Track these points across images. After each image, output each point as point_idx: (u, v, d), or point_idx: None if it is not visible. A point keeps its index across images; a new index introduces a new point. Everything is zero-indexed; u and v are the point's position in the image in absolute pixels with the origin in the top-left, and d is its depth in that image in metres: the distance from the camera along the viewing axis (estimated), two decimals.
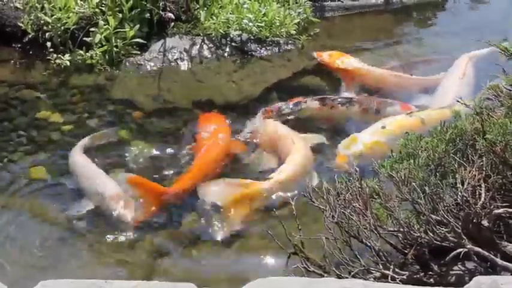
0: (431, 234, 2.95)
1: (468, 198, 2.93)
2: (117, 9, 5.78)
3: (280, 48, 5.97)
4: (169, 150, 4.80)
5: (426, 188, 2.97)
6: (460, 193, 2.94)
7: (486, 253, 2.89)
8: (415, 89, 5.50)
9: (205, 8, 6.09)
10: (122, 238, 4.04)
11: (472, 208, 2.92)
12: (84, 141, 4.73)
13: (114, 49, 5.70)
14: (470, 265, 3.04)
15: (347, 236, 3.16)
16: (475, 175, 2.96)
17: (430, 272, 3.06)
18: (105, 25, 5.69)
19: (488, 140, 3.06)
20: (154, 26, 5.97)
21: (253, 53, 5.92)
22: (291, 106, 5.16)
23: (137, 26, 5.77)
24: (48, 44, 5.74)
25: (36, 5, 5.81)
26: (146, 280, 3.47)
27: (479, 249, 2.89)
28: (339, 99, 5.19)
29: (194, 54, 5.85)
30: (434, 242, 2.96)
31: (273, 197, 4.27)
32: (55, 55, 5.69)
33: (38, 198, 4.38)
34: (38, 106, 5.29)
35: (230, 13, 5.98)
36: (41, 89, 5.50)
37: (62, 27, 5.74)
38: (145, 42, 5.85)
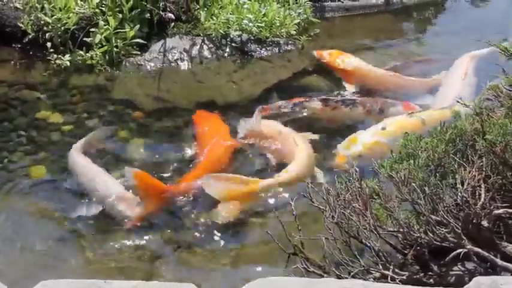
0: (431, 234, 2.95)
1: (468, 199, 2.93)
2: (117, 9, 5.79)
3: (280, 49, 5.98)
4: (169, 150, 4.80)
5: (426, 189, 2.97)
6: (459, 193, 2.94)
7: (486, 253, 2.89)
8: (415, 89, 5.50)
9: (206, 9, 6.09)
10: (122, 238, 4.04)
11: (471, 208, 2.92)
12: (82, 141, 4.72)
13: (114, 49, 5.70)
14: (470, 265, 3.04)
15: (347, 237, 3.16)
16: (475, 175, 2.96)
17: (430, 273, 3.06)
18: (105, 25, 5.69)
19: (488, 141, 3.06)
20: (154, 26, 5.97)
21: (253, 53, 5.92)
22: (291, 106, 5.16)
23: (137, 27, 5.77)
24: (48, 44, 5.74)
25: (36, 5, 5.81)
26: (146, 280, 3.48)
27: (479, 250, 2.89)
28: (342, 101, 5.18)
29: (194, 54, 5.85)
30: (434, 242, 2.96)
31: (275, 196, 4.28)
32: (55, 55, 5.69)
33: (38, 198, 4.38)
34: (38, 106, 5.29)
35: (230, 13, 5.98)
36: (41, 89, 5.50)
37: (62, 28, 5.74)
38: (145, 42, 5.85)
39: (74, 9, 5.79)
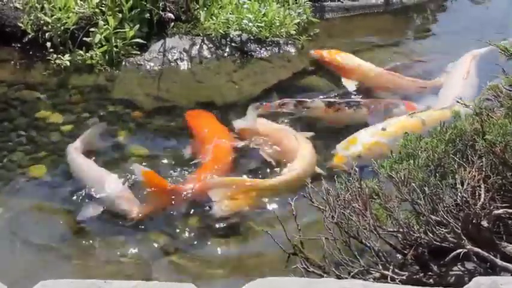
0: (430, 234, 2.95)
1: (468, 199, 2.93)
2: (117, 9, 5.78)
3: (280, 49, 5.97)
4: (168, 150, 4.80)
5: (426, 189, 2.97)
6: (459, 194, 2.95)
7: (486, 254, 2.90)
8: (413, 89, 5.49)
9: (205, 8, 6.09)
10: (122, 238, 4.05)
11: (471, 209, 2.92)
12: (79, 139, 4.72)
13: (114, 49, 5.70)
14: (469, 266, 3.04)
15: (346, 237, 3.16)
16: (475, 176, 2.96)
17: (430, 273, 3.07)
18: (105, 25, 5.69)
19: (488, 141, 3.06)
20: (154, 26, 5.97)
21: (253, 53, 5.92)
22: (293, 104, 5.15)
23: (137, 26, 5.76)
24: (48, 44, 5.73)
25: (36, 5, 5.81)
26: (146, 280, 3.48)
27: (479, 250, 2.89)
28: (346, 102, 5.16)
29: (194, 54, 5.84)
30: (434, 242, 2.96)
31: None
32: (55, 55, 5.68)
33: (37, 198, 4.38)
34: (38, 106, 5.28)
35: (230, 13, 5.98)
36: (41, 89, 5.49)
37: (62, 28, 5.73)
38: (145, 42, 5.84)
39: (74, 9, 5.79)
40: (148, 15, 5.91)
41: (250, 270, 3.76)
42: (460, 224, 2.94)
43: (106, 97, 5.42)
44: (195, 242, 4.04)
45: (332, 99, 5.22)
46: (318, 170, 4.49)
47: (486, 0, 7.25)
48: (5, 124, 5.08)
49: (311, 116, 5.12)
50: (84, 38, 5.73)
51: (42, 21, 5.76)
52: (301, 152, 4.57)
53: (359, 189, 3.15)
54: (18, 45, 5.90)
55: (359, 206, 3.11)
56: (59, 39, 5.77)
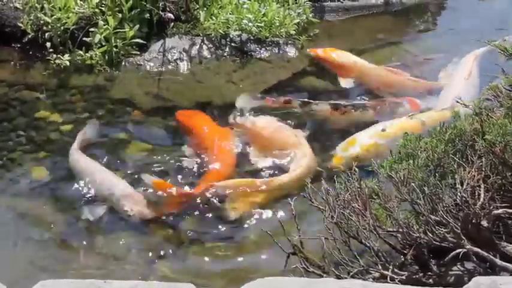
0: (430, 234, 2.95)
1: (467, 199, 2.93)
2: (117, 9, 5.78)
3: (279, 49, 5.97)
4: (168, 150, 4.80)
5: (425, 189, 2.97)
6: (459, 193, 2.95)
7: (485, 253, 2.90)
8: (411, 88, 5.49)
9: (205, 8, 6.09)
10: (121, 238, 4.05)
11: (471, 208, 2.92)
12: (77, 140, 4.72)
13: (114, 49, 5.69)
14: (469, 265, 3.04)
15: (346, 237, 3.16)
16: (474, 175, 2.96)
17: (429, 273, 3.07)
18: (104, 25, 5.69)
19: (488, 141, 3.06)
20: (154, 26, 5.97)
21: (253, 53, 5.92)
22: (298, 104, 5.14)
23: (137, 26, 5.76)
24: (48, 44, 5.73)
25: (36, 5, 5.80)
26: (146, 280, 3.48)
27: (479, 250, 2.89)
28: (352, 105, 5.15)
29: (194, 54, 5.84)
30: (434, 242, 2.97)
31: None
32: (55, 55, 5.68)
33: (37, 197, 4.38)
34: (38, 106, 5.28)
35: (230, 13, 5.98)
36: (41, 89, 5.49)
37: (62, 28, 5.73)
38: (144, 42, 5.84)
39: (74, 9, 5.78)
40: (148, 15, 5.91)
41: (250, 270, 3.76)
42: (459, 224, 2.94)
43: (106, 97, 5.42)
44: (195, 242, 4.04)
45: (337, 102, 5.20)
46: (318, 168, 4.50)
47: (485, 4, 7.25)
48: (4, 124, 5.08)
49: (316, 118, 5.11)
50: (84, 38, 5.72)
51: (42, 21, 5.76)
52: (304, 149, 4.59)
53: (359, 189, 3.15)
54: (18, 45, 5.90)
55: (359, 206, 3.11)
56: (58, 39, 5.77)
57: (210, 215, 4.22)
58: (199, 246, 4.01)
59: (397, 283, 2.92)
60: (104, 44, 5.71)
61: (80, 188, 4.39)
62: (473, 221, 2.95)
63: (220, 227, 4.15)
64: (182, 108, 5.24)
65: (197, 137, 4.86)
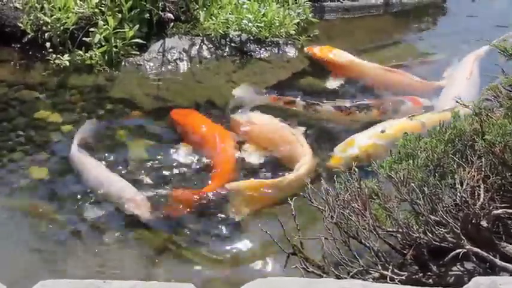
0: (430, 234, 2.95)
1: (467, 199, 2.93)
2: (117, 9, 5.78)
3: (279, 49, 5.97)
4: (168, 150, 4.80)
5: (425, 189, 2.97)
6: (459, 194, 2.95)
7: (485, 254, 2.90)
8: (409, 87, 5.50)
9: (205, 8, 6.09)
10: (121, 238, 4.05)
11: (471, 209, 2.92)
12: (76, 139, 4.72)
13: (114, 49, 5.69)
14: (469, 266, 3.04)
15: (346, 237, 3.16)
16: (474, 176, 2.96)
17: (429, 273, 3.07)
18: (104, 25, 5.69)
19: (487, 141, 3.07)
20: (153, 26, 5.97)
21: (253, 53, 5.92)
22: (302, 104, 5.13)
23: (136, 26, 5.76)
24: (48, 44, 5.73)
25: (36, 5, 5.80)
26: (145, 280, 3.48)
27: (478, 250, 2.89)
28: (356, 106, 5.14)
29: (193, 54, 5.84)
30: (433, 242, 2.97)
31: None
32: (54, 55, 5.68)
33: (37, 197, 4.38)
34: (37, 106, 5.28)
35: (229, 13, 5.98)
36: (40, 89, 5.49)
37: (62, 28, 5.73)
38: (144, 42, 5.84)
39: (73, 9, 5.79)
40: (147, 15, 5.91)
41: (250, 270, 3.76)
42: (459, 224, 2.94)
43: (105, 97, 5.41)
44: (195, 242, 4.04)
45: (341, 103, 5.20)
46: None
47: (485, 5, 7.25)
48: (4, 124, 5.07)
49: (320, 119, 5.11)
50: (84, 38, 5.72)
51: (41, 21, 5.76)
52: (305, 147, 4.61)
53: (358, 190, 3.15)
54: (18, 45, 5.89)
55: (358, 206, 3.11)
56: (58, 39, 5.77)
57: (210, 215, 4.22)
58: (199, 246, 4.01)
59: (396, 283, 2.92)
60: (103, 44, 5.71)
61: (80, 188, 4.39)
62: (473, 221, 2.95)
63: (220, 226, 4.15)
64: (181, 108, 5.24)
65: (195, 136, 4.85)
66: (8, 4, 5.98)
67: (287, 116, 5.07)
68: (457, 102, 3.50)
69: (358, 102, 5.20)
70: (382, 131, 4.69)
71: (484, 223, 2.97)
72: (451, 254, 2.89)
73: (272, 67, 5.83)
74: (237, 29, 5.95)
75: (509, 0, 7.26)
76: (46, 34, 5.73)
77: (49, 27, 5.73)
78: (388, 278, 2.98)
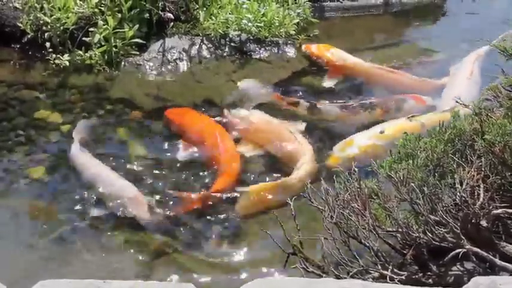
0: (430, 234, 2.95)
1: (467, 199, 2.93)
2: (116, 9, 5.78)
3: (279, 49, 5.97)
4: (168, 149, 4.80)
5: (425, 189, 2.97)
6: (458, 193, 2.95)
7: (485, 253, 2.90)
8: (406, 86, 5.50)
9: (205, 8, 6.09)
10: (121, 238, 4.05)
11: (470, 208, 2.92)
12: (75, 139, 4.72)
13: (113, 49, 5.70)
14: (468, 265, 3.04)
15: (346, 237, 3.16)
16: (474, 175, 2.96)
17: (429, 273, 3.07)
18: (104, 25, 5.69)
19: (487, 141, 3.07)
20: (153, 26, 5.97)
21: (252, 53, 5.92)
22: (306, 105, 5.12)
23: (136, 26, 5.77)
24: (47, 44, 5.73)
25: (36, 5, 5.81)
26: (145, 280, 3.48)
27: (478, 250, 2.89)
28: (360, 105, 5.13)
29: (193, 54, 5.85)
30: (433, 242, 2.97)
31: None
32: (54, 55, 5.69)
33: (37, 197, 4.38)
34: (37, 106, 5.29)
35: (229, 13, 5.98)
36: (40, 89, 5.49)
37: (61, 27, 5.74)
38: (144, 42, 5.85)
39: (73, 9, 5.79)
40: (147, 15, 5.92)
41: (250, 271, 3.76)
42: (459, 224, 2.94)
43: (105, 97, 5.42)
44: (195, 242, 4.04)
45: (345, 103, 5.19)
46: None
47: (484, 5, 7.25)
48: (4, 124, 5.08)
49: (325, 120, 5.10)
50: (84, 38, 5.73)
51: (41, 21, 5.76)
52: (304, 144, 4.62)
53: (358, 189, 3.15)
54: (18, 45, 5.90)
55: (358, 206, 3.11)
56: (58, 39, 5.77)
57: (210, 214, 4.22)
58: (199, 246, 4.01)
59: (396, 283, 2.92)
60: (103, 44, 5.71)
61: (80, 188, 4.39)
62: (473, 221, 2.95)
63: (220, 226, 4.15)
64: (179, 107, 5.25)
65: (193, 134, 4.85)
66: (8, 4, 5.98)
67: (287, 114, 5.08)
68: (456, 102, 3.50)
69: (361, 101, 5.19)
70: (381, 132, 4.69)
71: (483, 223, 2.97)
72: (451, 253, 2.88)
73: (272, 67, 5.83)
74: (237, 28, 5.95)
75: (509, 0, 7.27)
76: (46, 34, 5.74)
77: (49, 27, 5.73)
78: (387, 278, 2.98)
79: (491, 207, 2.98)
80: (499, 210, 3.02)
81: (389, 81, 5.57)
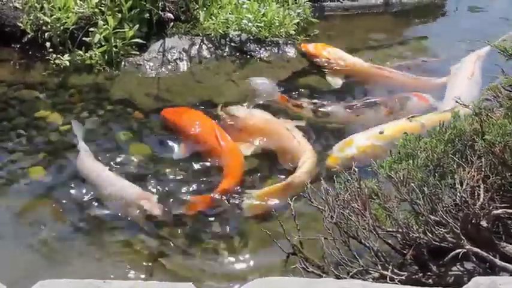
0: (430, 234, 2.95)
1: (467, 199, 2.93)
2: (117, 9, 5.78)
3: (279, 49, 5.97)
4: (168, 149, 4.80)
5: (425, 189, 2.97)
6: (458, 194, 2.95)
7: (485, 254, 2.90)
8: (403, 85, 5.50)
9: (205, 8, 6.09)
10: (121, 238, 4.05)
11: (470, 209, 2.92)
12: (81, 142, 4.71)
13: (114, 49, 5.69)
14: (469, 266, 3.04)
15: (346, 237, 3.16)
16: (474, 176, 2.96)
17: (429, 273, 3.07)
18: (104, 25, 5.69)
19: (487, 141, 3.07)
20: (153, 26, 5.97)
21: (253, 53, 5.92)
22: (311, 109, 5.11)
23: (136, 26, 5.76)
24: (48, 44, 5.73)
25: (36, 4, 5.80)
26: (145, 280, 3.48)
27: (478, 250, 2.89)
28: (365, 104, 5.12)
29: (193, 54, 5.84)
30: (433, 242, 2.97)
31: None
32: (54, 55, 5.68)
33: (37, 197, 4.37)
34: (37, 106, 5.28)
35: (229, 13, 5.98)
36: (40, 89, 5.49)
37: (61, 27, 5.73)
38: (144, 42, 5.84)
39: (73, 8, 5.78)
40: (147, 15, 5.91)
41: (250, 270, 3.76)
42: (459, 224, 2.94)
43: (105, 97, 5.41)
44: (195, 242, 4.04)
45: (349, 103, 5.18)
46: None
47: (484, 5, 7.25)
48: (4, 124, 5.07)
49: (331, 122, 5.08)
50: (84, 38, 5.72)
51: (41, 21, 5.75)
52: (302, 142, 4.63)
53: (358, 189, 3.15)
54: (18, 45, 5.89)
55: (358, 206, 3.11)
56: (58, 39, 5.77)
57: (210, 214, 4.22)
58: (199, 246, 4.01)
59: (396, 283, 2.93)
60: (103, 43, 5.71)
61: (80, 188, 4.39)
62: (473, 221, 2.95)
63: (220, 226, 4.15)
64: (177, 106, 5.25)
65: (191, 133, 4.84)
66: (8, 4, 5.98)
67: (290, 113, 5.08)
68: (456, 102, 3.51)
69: (365, 101, 5.19)
70: (381, 132, 4.69)
71: (483, 223, 2.97)
72: (451, 254, 2.89)
73: (272, 67, 5.83)
74: (237, 28, 5.95)
75: (509, 0, 7.27)
76: (46, 34, 5.73)
77: (49, 27, 5.73)
78: (388, 278, 2.98)
79: (491, 207, 2.98)
80: (499, 211, 3.03)
81: (387, 80, 5.57)
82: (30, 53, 5.85)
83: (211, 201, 4.27)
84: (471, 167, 3.00)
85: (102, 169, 4.48)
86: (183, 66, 5.78)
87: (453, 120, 3.33)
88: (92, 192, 4.35)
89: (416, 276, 3.05)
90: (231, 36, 5.95)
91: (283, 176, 4.48)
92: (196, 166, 4.63)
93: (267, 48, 5.96)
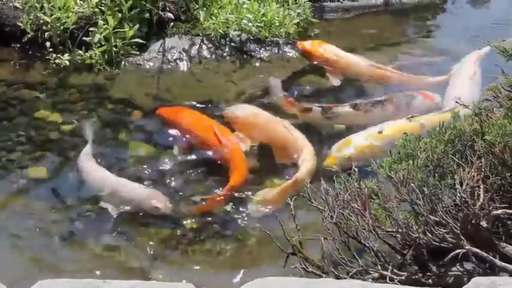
0: (429, 235, 2.95)
1: (467, 199, 2.93)
2: (117, 9, 5.78)
3: (279, 49, 5.97)
4: (168, 149, 4.80)
5: (425, 189, 2.97)
6: (458, 194, 2.95)
7: (485, 254, 2.90)
8: (401, 82, 5.50)
9: (205, 8, 6.09)
10: (121, 238, 4.05)
11: (470, 209, 2.92)
12: (88, 147, 4.70)
13: (114, 49, 5.69)
14: (468, 266, 3.04)
15: (346, 237, 3.16)
16: (474, 176, 2.96)
17: (429, 273, 3.07)
18: (104, 25, 5.69)
19: (487, 141, 3.07)
20: (153, 26, 5.97)
21: (253, 53, 5.92)
22: (319, 112, 5.06)
23: (136, 26, 5.76)
24: (48, 43, 5.73)
25: (36, 4, 5.80)
26: (145, 280, 3.48)
27: (478, 250, 2.89)
28: (371, 103, 5.10)
29: (193, 54, 5.84)
30: (433, 242, 2.97)
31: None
32: (54, 55, 5.68)
33: (36, 197, 4.38)
34: (37, 106, 5.28)
35: (229, 13, 5.98)
36: (40, 89, 5.49)
37: (61, 27, 5.73)
38: (144, 42, 5.84)
39: (73, 8, 5.78)
40: (147, 15, 5.91)
41: (250, 270, 3.76)
42: (459, 225, 2.94)
43: (105, 96, 5.42)
44: (195, 242, 4.04)
45: (355, 102, 5.15)
46: None
47: (487, 1, 7.25)
48: (4, 123, 5.08)
49: (341, 123, 5.07)
50: (84, 38, 5.72)
51: (41, 21, 5.75)
52: (300, 139, 4.64)
53: (358, 190, 3.15)
54: (18, 45, 5.89)
55: (358, 206, 3.11)
56: (58, 39, 5.77)
57: (210, 214, 4.23)
58: (199, 246, 4.01)
59: (396, 283, 2.93)
60: (103, 43, 5.71)
61: (79, 188, 4.40)
62: (473, 221, 2.95)
63: (220, 226, 4.15)
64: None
65: (189, 132, 4.84)
66: (8, 3, 5.98)
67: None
68: (456, 102, 3.51)
69: (370, 100, 5.17)
70: (380, 132, 4.69)
71: (483, 223, 2.97)
72: (451, 254, 2.89)
73: (272, 67, 5.83)
74: (237, 28, 5.95)
75: (508, 0, 7.27)
76: (46, 33, 5.73)
77: (49, 26, 5.73)
78: (387, 278, 2.98)
79: (491, 207, 2.98)
80: (499, 211, 3.03)
81: (384, 78, 5.57)
82: (30, 52, 5.86)
83: (220, 200, 4.27)
84: (471, 167, 3.00)
85: (106, 173, 4.47)
86: (183, 66, 5.79)
87: (453, 120, 3.33)
88: (91, 193, 4.35)
89: (416, 277, 3.05)
90: (231, 36, 5.95)
91: (286, 177, 4.48)
92: (197, 164, 4.63)
93: (267, 48, 5.96)
